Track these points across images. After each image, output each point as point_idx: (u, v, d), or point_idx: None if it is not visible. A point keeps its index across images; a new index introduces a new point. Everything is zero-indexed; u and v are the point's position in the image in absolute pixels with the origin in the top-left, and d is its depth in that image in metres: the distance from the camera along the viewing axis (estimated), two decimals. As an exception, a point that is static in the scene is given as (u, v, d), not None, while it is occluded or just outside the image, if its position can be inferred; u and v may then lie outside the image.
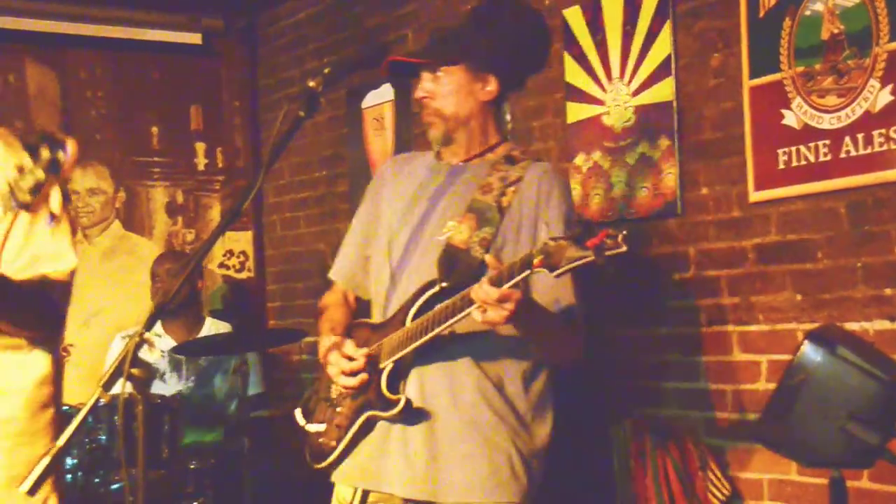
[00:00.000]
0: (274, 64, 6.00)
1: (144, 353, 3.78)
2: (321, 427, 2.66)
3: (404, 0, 5.01)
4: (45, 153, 1.97)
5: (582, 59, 4.05)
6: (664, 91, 3.78)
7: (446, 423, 2.50)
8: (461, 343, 2.48)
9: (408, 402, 2.47)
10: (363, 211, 2.82)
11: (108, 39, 5.73)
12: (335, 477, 2.65)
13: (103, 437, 4.07)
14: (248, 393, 4.45)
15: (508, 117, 4.08)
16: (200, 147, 6.03)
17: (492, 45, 2.56)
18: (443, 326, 2.40)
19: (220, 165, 6.08)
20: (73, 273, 2.50)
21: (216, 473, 4.32)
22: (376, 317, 2.67)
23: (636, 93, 3.87)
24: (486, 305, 2.26)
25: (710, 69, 3.65)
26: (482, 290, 2.25)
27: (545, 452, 2.59)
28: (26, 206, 2.03)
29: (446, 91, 2.56)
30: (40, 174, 1.97)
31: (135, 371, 1.96)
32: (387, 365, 2.51)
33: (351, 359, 2.53)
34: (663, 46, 3.77)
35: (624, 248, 2.13)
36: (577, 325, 2.53)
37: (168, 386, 4.81)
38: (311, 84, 2.22)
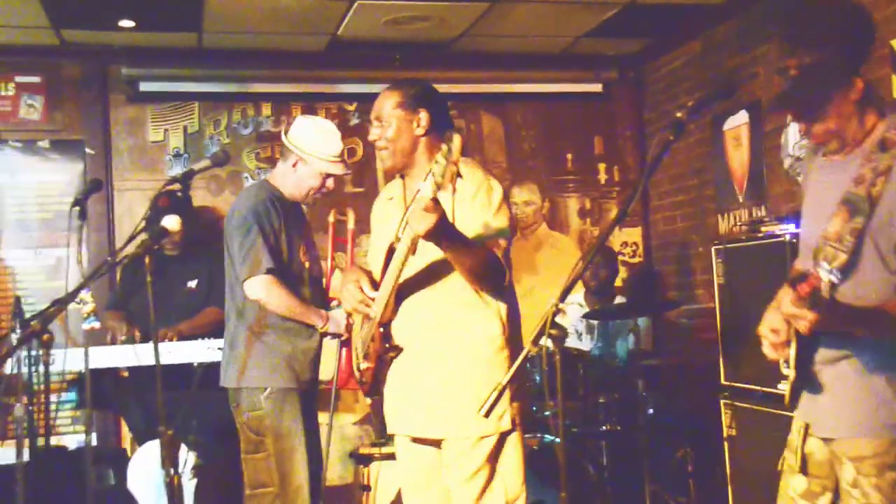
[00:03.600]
0: (655, 102, 5.92)
1: (560, 319, 3.89)
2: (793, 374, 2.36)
3: (756, 43, 4.77)
4: (445, 150, 2.10)
5: (908, 79, 3.69)
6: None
7: (837, 378, 2.22)
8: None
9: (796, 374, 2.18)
10: None
11: (536, 93, 5.90)
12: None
13: (537, 378, 4.19)
14: (639, 347, 4.43)
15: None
16: (602, 166, 6.02)
17: (852, 50, 2.12)
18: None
19: (616, 179, 6.03)
20: (507, 248, 2.48)
21: (619, 405, 4.33)
22: None
23: (959, 102, 3.46)
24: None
25: None
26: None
27: None
28: (439, 187, 2.13)
29: (818, 102, 2.13)
30: (444, 163, 2.10)
31: (553, 331, 2.01)
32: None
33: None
34: (982, 61, 3.35)
35: None
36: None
37: (582, 343, 4.89)
38: (678, 115, 2.12)
